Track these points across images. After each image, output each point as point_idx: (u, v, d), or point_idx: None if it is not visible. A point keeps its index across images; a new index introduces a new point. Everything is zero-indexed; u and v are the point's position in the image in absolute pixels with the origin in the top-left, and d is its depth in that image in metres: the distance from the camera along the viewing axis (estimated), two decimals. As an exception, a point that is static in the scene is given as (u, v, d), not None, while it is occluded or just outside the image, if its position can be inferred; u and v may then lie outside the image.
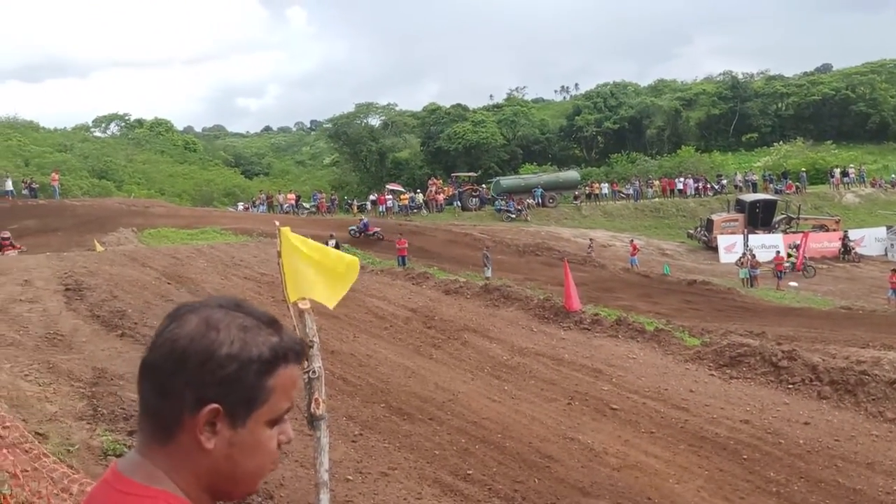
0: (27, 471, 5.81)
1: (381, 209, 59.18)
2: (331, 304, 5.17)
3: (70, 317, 13.39)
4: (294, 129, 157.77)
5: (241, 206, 64.44)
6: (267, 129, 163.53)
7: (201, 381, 1.45)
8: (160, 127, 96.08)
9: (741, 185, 64.53)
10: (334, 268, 5.24)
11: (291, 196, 62.60)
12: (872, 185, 67.97)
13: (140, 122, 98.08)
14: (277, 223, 4.92)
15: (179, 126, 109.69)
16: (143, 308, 14.37)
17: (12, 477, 5.71)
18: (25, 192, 50.25)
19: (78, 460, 7.26)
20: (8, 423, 6.13)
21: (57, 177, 53.46)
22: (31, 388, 9.20)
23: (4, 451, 5.84)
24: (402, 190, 64.17)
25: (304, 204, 61.95)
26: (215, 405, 1.44)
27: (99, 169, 69.71)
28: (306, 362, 4.83)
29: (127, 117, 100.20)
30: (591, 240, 46.19)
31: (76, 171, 65.22)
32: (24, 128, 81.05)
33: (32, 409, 8.45)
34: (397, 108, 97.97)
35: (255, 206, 61.50)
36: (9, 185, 49.23)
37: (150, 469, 1.49)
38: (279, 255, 4.78)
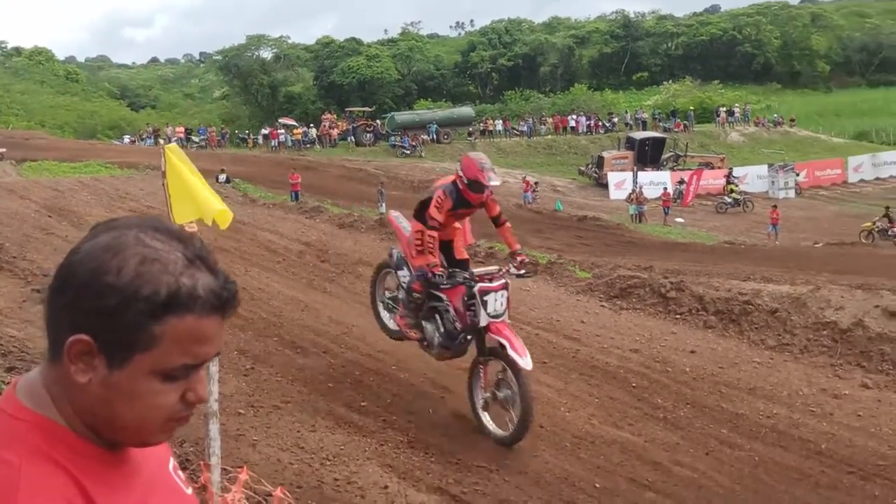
0: None
1: (273, 144, 58.15)
2: (222, 225, 4.93)
3: (-58, 251, 12.75)
4: (182, 62, 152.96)
5: (127, 139, 62.32)
6: (154, 60, 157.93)
7: (78, 306, 1.29)
8: (40, 56, 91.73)
9: (631, 123, 65.60)
10: (213, 201, 5.03)
11: (180, 129, 60.97)
12: (756, 125, 70.11)
13: (18, 51, 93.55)
14: (162, 141, 4.72)
15: (61, 56, 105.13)
16: (21, 241, 13.77)
17: None
18: None
19: (-48, 398, 6.93)
20: None
21: (-74, 106, 50.76)
22: None
23: None
24: (295, 124, 63.16)
25: (193, 138, 60.39)
26: (83, 336, 1.28)
27: (-28, 99, 66.41)
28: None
29: (3, 45, 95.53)
30: (536, 183, 44.60)
31: (-54, 101, 62.02)
32: None
33: None
34: (290, 41, 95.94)
35: (142, 140, 59.64)
36: None
37: (38, 391, 1.35)
38: (163, 175, 4.55)
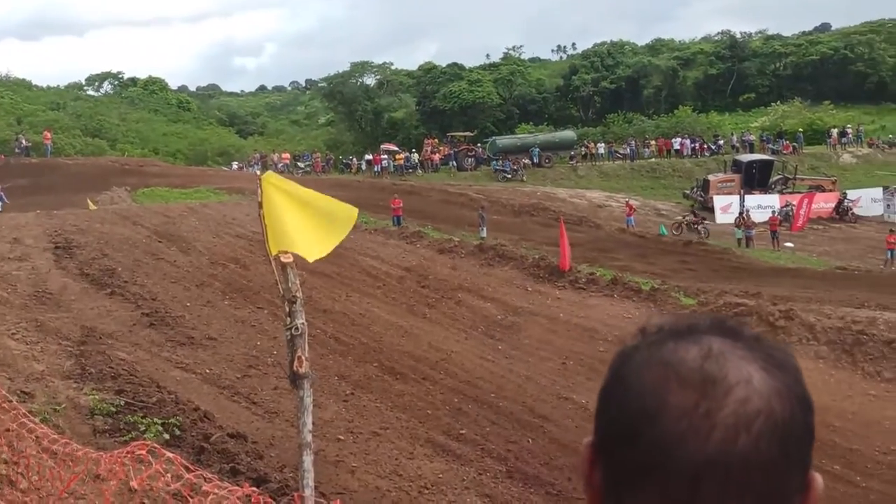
0: (9, 430, 5.69)
1: (376, 169, 58.95)
2: (311, 258, 4.99)
3: (59, 275, 13.24)
4: (289, 89, 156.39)
5: (235, 165, 64.10)
6: (262, 88, 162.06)
7: (806, 450, 1.02)
8: (154, 86, 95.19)
9: (738, 145, 64.26)
10: (326, 217, 5.07)
11: (286, 156, 62.42)
12: (870, 146, 67.77)
13: (133, 81, 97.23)
14: (258, 172, 4.79)
15: (173, 85, 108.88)
16: (133, 266, 14.22)
17: (-6, 437, 5.58)
18: (17, 150, 49.99)
19: (64, 419, 7.16)
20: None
21: (49, 135, 53.17)
22: (18, 346, 9.07)
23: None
24: (398, 150, 63.91)
25: (298, 164, 61.71)
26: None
27: (92, 128, 69.26)
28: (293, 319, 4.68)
29: (120, 76, 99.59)
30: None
31: (69, 130, 64.82)
32: (16, 86, 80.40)
33: (18, 367, 8.33)
34: (393, 68, 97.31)
35: (249, 166, 61.23)
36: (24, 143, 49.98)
37: None
38: (260, 206, 4.61)
